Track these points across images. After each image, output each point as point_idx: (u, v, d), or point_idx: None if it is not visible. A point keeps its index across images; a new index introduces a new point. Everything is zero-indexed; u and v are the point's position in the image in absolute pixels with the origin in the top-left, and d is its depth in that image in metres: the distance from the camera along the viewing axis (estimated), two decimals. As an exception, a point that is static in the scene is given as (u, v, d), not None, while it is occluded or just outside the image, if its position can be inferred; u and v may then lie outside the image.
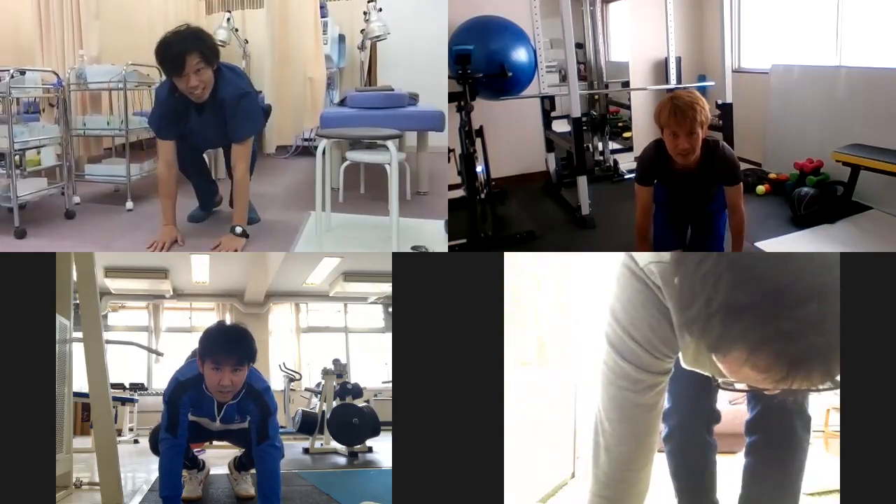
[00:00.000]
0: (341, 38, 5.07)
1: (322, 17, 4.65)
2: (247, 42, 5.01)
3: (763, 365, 0.85)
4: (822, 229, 2.69)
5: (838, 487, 1.50)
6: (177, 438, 2.18)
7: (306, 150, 5.44)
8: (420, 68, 4.56)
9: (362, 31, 4.72)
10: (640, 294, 1.27)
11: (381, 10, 4.60)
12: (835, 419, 4.26)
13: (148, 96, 3.95)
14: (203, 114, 3.02)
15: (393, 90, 4.33)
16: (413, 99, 4.27)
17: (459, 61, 3.34)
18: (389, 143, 2.97)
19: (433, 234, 3.19)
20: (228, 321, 5.75)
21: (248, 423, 2.25)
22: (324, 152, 3.08)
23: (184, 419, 2.17)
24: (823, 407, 4.39)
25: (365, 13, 4.69)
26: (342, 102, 4.51)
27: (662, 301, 1.25)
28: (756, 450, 1.78)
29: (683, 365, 1.32)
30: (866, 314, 1.44)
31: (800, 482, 1.77)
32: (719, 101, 4.14)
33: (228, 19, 4.85)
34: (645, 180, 2.55)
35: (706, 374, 1.23)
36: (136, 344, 5.08)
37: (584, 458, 1.39)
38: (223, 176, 3.84)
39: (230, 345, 2.14)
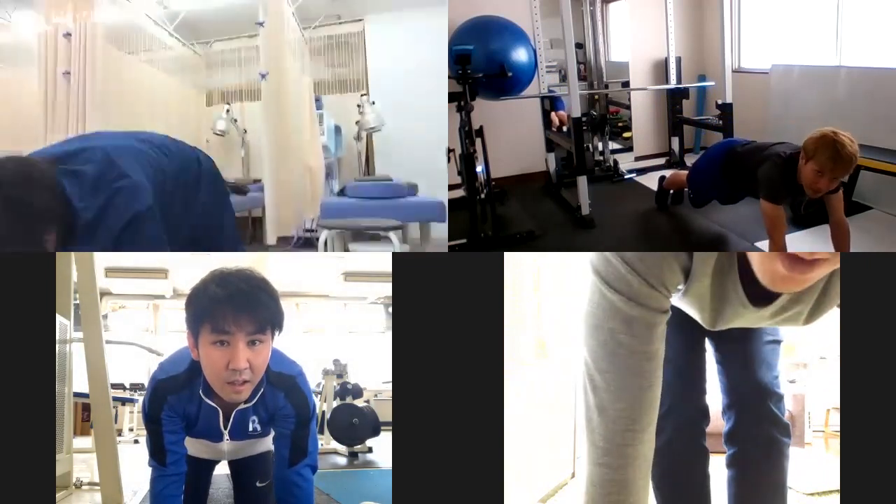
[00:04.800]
0: (337, 129, 5.13)
1: (317, 108, 4.69)
2: (245, 132, 5.07)
3: None
4: (822, 229, 2.68)
5: (838, 487, 1.49)
6: (165, 467, 1.49)
7: (308, 242, 5.41)
8: (418, 158, 4.59)
9: (357, 122, 4.77)
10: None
11: (374, 102, 4.64)
12: (835, 419, 4.27)
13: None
14: None
15: (392, 180, 4.35)
16: (412, 189, 4.28)
17: (459, 61, 3.34)
18: (392, 235, 2.91)
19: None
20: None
21: (274, 437, 1.56)
22: (325, 243, 3.04)
23: (173, 437, 1.50)
24: (823, 407, 4.41)
25: (359, 106, 4.74)
26: (342, 192, 4.53)
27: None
28: (737, 461, 1.75)
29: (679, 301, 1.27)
30: (866, 314, 1.44)
31: (785, 487, 1.76)
32: (719, 101, 4.15)
33: (227, 110, 4.93)
34: (780, 199, 2.50)
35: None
36: (136, 344, 5.08)
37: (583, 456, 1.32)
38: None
39: (242, 298, 1.36)
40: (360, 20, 5.23)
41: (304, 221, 5.23)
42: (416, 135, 4.62)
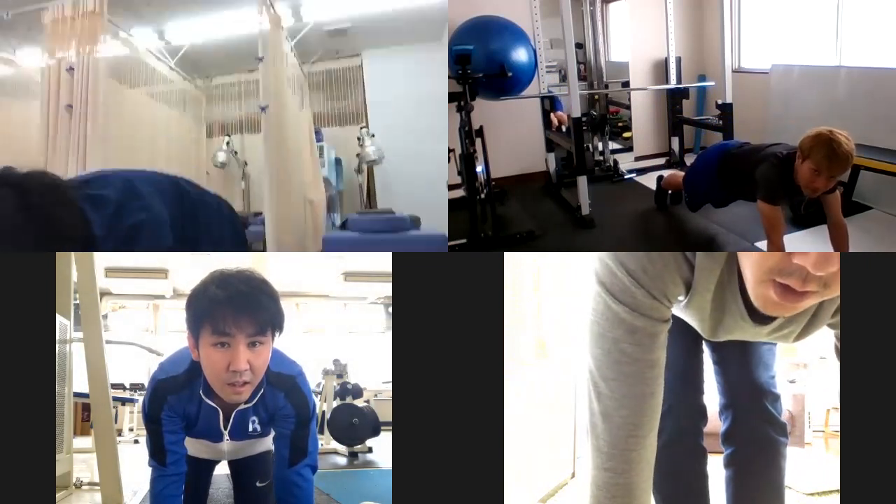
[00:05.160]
0: (338, 161, 5.13)
1: (318, 141, 4.67)
2: (246, 164, 5.08)
3: None
4: (821, 229, 2.68)
5: (838, 487, 1.49)
6: (166, 467, 1.49)
7: None
8: (419, 191, 4.58)
9: (358, 154, 4.77)
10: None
11: (373, 135, 4.64)
12: (835, 419, 4.27)
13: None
14: None
15: (394, 213, 4.34)
16: (414, 223, 4.28)
17: (459, 61, 3.34)
18: None
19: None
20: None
21: (274, 437, 1.57)
22: None
23: (173, 437, 1.50)
24: (823, 407, 4.41)
25: (359, 138, 4.74)
26: (343, 225, 4.51)
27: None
28: (735, 461, 1.76)
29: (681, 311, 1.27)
30: (866, 314, 1.44)
31: (783, 487, 1.76)
32: (719, 101, 4.15)
33: (227, 142, 4.92)
34: (778, 199, 2.51)
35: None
36: (136, 344, 5.09)
37: (585, 457, 1.33)
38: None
39: (242, 300, 1.36)
40: (358, 55, 5.27)
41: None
42: (416, 167, 4.63)
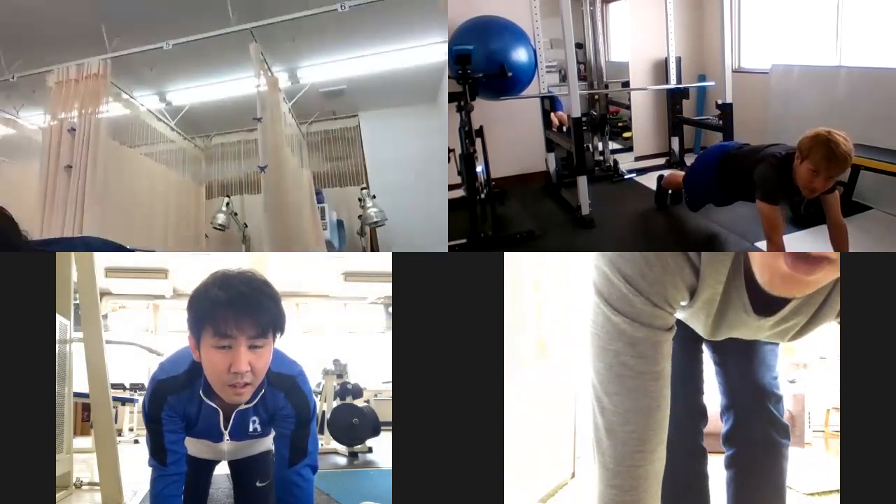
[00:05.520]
0: (340, 223, 5.12)
1: (319, 202, 4.65)
2: (246, 226, 5.06)
3: None
4: (821, 229, 2.68)
5: (838, 487, 1.49)
6: (166, 467, 1.48)
7: None
8: (422, 250, 4.57)
9: (360, 217, 4.78)
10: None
11: (374, 196, 4.65)
12: (835, 419, 4.27)
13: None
14: None
15: None
16: None
17: (459, 61, 3.34)
18: None
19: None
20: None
21: (274, 437, 1.57)
22: None
23: (173, 437, 1.49)
24: (823, 407, 4.41)
25: (360, 199, 4.74)
26: None
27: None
28: (736, 462, 1.75)
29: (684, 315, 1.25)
30: (866, 314, 1.44)
31: (784, 488, 1.76)
32: (719, 101, 4.15)
33: (227, 203, 4.91)
34: (777, 200, 2.51)
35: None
36: (136, 344, 5.09)
37: (585, 457, 1.31)
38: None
39: (244, 302, 1.35)
40: (356, 115, 5.31)
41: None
42: (418, 226, 4.63)
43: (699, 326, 1.40)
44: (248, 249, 5.05)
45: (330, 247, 4.93)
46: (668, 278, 1.14)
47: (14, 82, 3.70)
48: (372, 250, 5.21)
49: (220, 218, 4.70)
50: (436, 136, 4.44)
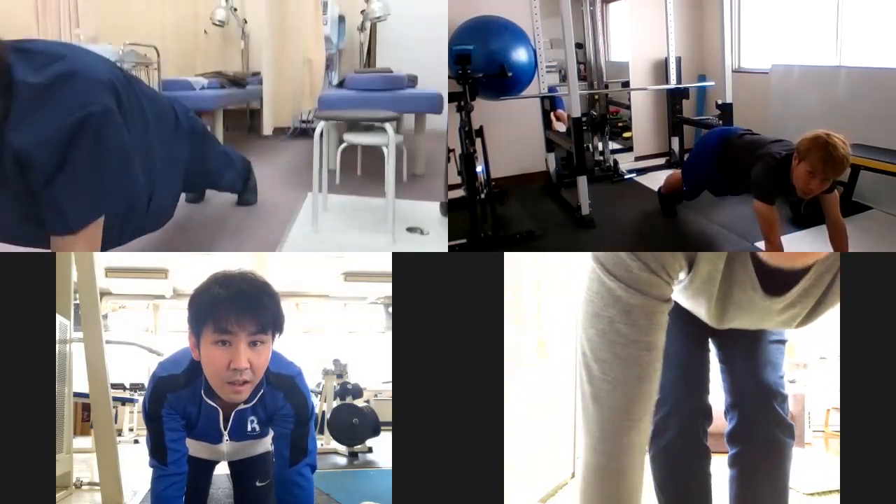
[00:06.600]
0: (341, 18, 5.01)
1: None
2: (245, 22, 4.94)
3: None
4: (821, 229, 2.68)
5: (838, 487, 1.50)
6: (167, 466, 1.48)
7: (304, 132, 5.42)
8: (419, 51, 4.51)
9: (362, 11, 4.68)
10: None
11: None
12: (835, 419, 4.27)
13: (145, 76, 3.89)
14: None
15: (392, 72, 4.28)
16: (412, 81, 4.22)
17: (459, 61, 3.34)
18: (387, 125, 3.00)
19: (429, 216, 3.21)
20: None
21: (273, 437, 1.58)
22: (321, 134, 3.09)
23: (173, 434, 1.49)
24: (823, 407, 4.41)
25: None
26: (341, 84, 4.47)
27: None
28: (740, 461, 1.74)
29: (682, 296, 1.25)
30: (866, 314, 1.44)
31: (787, 488, 1.76)
32: (719, 101, 4.15)
33: None
34: (773, 200, 2.51)
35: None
36: (136, 344, 5.08)
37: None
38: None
39: (245, 299, 1.38)
40: None
41: (300, 113, 5.17)
42: (418, 27, 4.54)
43: (703, 311, 1.38)
44: (246, 46, 4.96)
45: (328, 43, 4.86)
46: (667, 252, 1.14)
47: None
48: (369, 49, 5.13)
49: (220, 13, 4.59)
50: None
